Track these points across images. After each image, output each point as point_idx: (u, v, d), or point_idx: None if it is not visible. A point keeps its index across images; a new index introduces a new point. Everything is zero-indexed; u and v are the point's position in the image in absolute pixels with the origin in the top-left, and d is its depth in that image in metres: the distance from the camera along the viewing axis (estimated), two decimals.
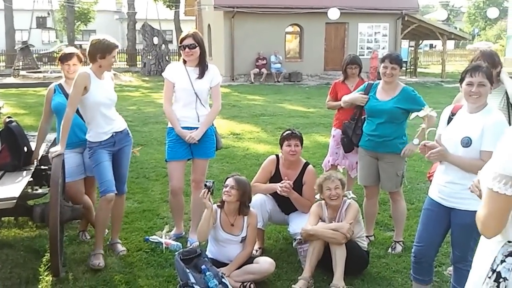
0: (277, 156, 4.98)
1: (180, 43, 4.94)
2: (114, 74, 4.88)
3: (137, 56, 35.16)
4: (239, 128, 11.65)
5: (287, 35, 25.72)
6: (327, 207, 4.54)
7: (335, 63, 24.73)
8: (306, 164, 4.93)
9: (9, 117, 5.11)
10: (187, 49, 4.89)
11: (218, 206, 4.43)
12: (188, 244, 4.99)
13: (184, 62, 5.01)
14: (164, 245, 4.92)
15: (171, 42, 35.02)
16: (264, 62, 24.15)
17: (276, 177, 4.93)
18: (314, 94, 19.35)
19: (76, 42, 34.85)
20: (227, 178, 4.43)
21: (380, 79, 4.98)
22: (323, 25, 24.93)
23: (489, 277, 2.16)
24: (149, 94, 19.38)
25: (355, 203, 4.63)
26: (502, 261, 2.14)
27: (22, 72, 25.84)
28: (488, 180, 2.08)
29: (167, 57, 29.69)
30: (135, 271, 4.50)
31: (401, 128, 4.87)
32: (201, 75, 4.94)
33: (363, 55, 23.58)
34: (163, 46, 29.39)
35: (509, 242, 2.15)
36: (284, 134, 4.93)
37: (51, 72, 26.18)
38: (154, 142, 10.06)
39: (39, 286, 4.21)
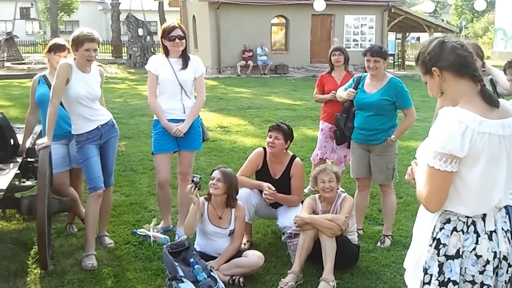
0: (264, 149, 4.98)
1: (167, 34, 4.90)
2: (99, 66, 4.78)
3: (123, 48, 34.90)
4: (226, 121, 11.64)
5: (273, 27, 25.65)
6: (321, 200, 4.56)
7: (321, 55, 24.65)
8: (293, 157, 4.93)
9: None
10: (176, 40, 4.88)
11: (205, 198, 4.44)
12: (176, 237, 4.99)
13: (167, 54, 4.99)
14: (152, 238, 4.92)
15: (155, 33, 34.74)
16: (250, 54, 24.07)
17: (263, 171, 4.93)
18: (300, 86, 19.36)
19: (59, 33, 34.51)
20: (213, 170, 4.44)
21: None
22: (309, 17, 24.88)
23: (430, 245, 2.38)
24: (135, 86, 19.27)
25: (350, 196, 4.66)
26: (441, 229, 2.35)
27: (7, 64, 25.57)
28: (428, 159, 2.25)
29: (152, 49, 29.49)
30: (123, 264, 4.50)
31: (391, 120, 4.90)
32: (185, 65, 4.94)
33: (350, 47, 23.57)
34: (148, 37, 29.18)
35: (445, 211, 2.35)
36: (270, 125, 4.94)
37: (35, 64, 25.95)
38: (141, 134, 10.01)
39: (28, 279, 4.20)
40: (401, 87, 4.86)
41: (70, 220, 5.25)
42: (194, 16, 26.99)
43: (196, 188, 4.25)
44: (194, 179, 4.28)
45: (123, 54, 34.26)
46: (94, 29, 4.56)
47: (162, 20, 35.92)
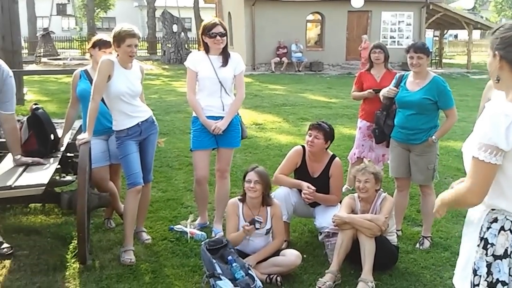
0: (303, 147, 4.95)
1: (208, 31, 4.90)
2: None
3: (157, 44, 35.24)
4: (261, 118, 11.65)
5: (308, 23, 25.57)
6: (360, 199, 4.52)
7: (357, 52, 24.49)
8: (333, 157, 4.89)
9: (35, 104, 5.16)
10: (218, 37, 4.88)
11: (239, 200, 4.43)
12: (213, 234, 5.03)
13: (207, 51, 5.00)
14: (189, 235, 4.95)
15: (190, 30, 35.03)
16: (285, 51, 24.06)
17: (302, 169, 4.91)
18: (335, 84, 19.26)
19: (96, 30, 35.02)
20: (247, 172, 4.39)
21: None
22: (345, 13, 24.74)
23: (478, 245, 2.37)
24: (169, 82, 19.44)
25: (391, 197, 4.61)
26: (488, 228, 2.35)
27: (44, 59, 26.09)
28: (473, 150, 2.25)
29: (186, 45, 29.73)
30: (160, 260, 4.54)
31: (432, 120, 4.82)
32: (225, 63, 4.94)
33: (386, 44, 23.05)
34: (182, 34, 29.43)
35: (492, 210, 2.35)
36: (310, 123, 4.92)
37: (70, 59, 26.42)
38: (177, 131, 10.10)
39: (66, 273, 4.27)
40: (444, 86, 4.77)
41: (108, 215, 5.33)
42: (229, 13, 27.10)
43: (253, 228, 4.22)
44: (256, 224, 4.21)
45: (157, 51, 34.62)
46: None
47: (197, 16, 36.13)
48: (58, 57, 27.82)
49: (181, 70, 24.11)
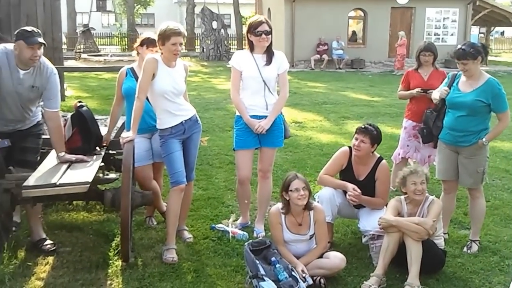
0: (350, 148, 4.91)
1: (254, 29, 4.90)
2: None
3: (196, 41, 35.49)
4: (301, 116, 11.61)
5: (350, 20, 25.38)
6: (407, 202, 4.46)
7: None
8: (380, 159, 4.84)
9: (79, 102, 5.25)
10: (263, 35, 4.88)
11: (282, 212, 4.37)
12: (255, 234, 5.05)
13: (251, 49, 5.01)
14: (230, 234, 4.97)
15: (229, 26, 35.14)
16: (326, 48, 23.94)
17: (347, 171, 4.89)
18: (377, 82, 19.07)
19: (135, 26, 35.53)
20: (290, 182, 4.28)
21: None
22: (388, 10, 24.49)
23: None
24: (208, 79, 19.55)
25: (439, 200, 4.54)
26: None
27: (84, 55, 26.56)
28: None
29: (225, 42, 29.84)
30: (202, 259, 4.58)
31: (483, 122, 4.71)
32: (269, 61, 4.94)
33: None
34: (222, 30, 29.53)
35: None
36: (357, 127, 4.88)
37: (111, 56, 26.83)
38: (216, 128, 10.15)
39: (109, 271, 4.34)
40: (498, 89, 4.63)
41: (150, 213, 5.39)
42: (269, 9, 27.10)
43: None
44: None
45: (196, 47, 34.86)
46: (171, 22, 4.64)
47: (237, 13, 36.27)
48: (99, 53, 28.28)
49: (220, 67, 24.26)
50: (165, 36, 4.43)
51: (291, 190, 4.23)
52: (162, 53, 4.53)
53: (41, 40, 4.40)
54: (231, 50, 30.47)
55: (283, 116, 5.22)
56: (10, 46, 4.50)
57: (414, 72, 6.20)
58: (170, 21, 4.74)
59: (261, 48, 4.94)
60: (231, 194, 6.20)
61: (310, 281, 4.01)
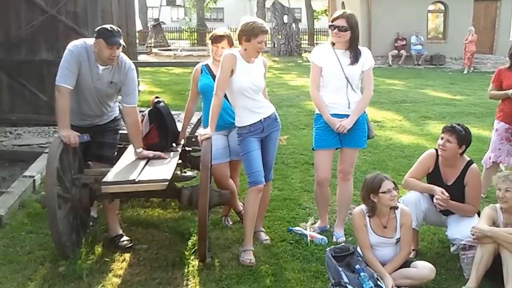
0: (437, 150, 4.75)
1: (332, 22, 4.85)
2: None
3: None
4: (380, 115, 11.38)
5: (429, 14, 24.75)
6: (503, 211, 4.26)
7: (484, 45, 23.47)
8: (470, 163, 4.64)
9: (157, 97, 5.32)
10: (336, 30, 4.79)
11: (368, 216, 4.27)
12: (334, 239, 4.96)
13: (333, 44, 4.92)
14: (309, 238, 4.90)
15: (300, 20, 34.98)
16: (404, 43, 23.47)
17: (434, 175, 4.71)
18: (459, 79, 18.48)
19: (205, 20, 36.00)
20: (380, 180, 4.16)
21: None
22: (471, 3, 23.71)
23: None
24: (280, 75, 19.53)
25: None
26: None
27: (154, 50, 27.16)
28: None
29: (297, 37, 29.74)
30: (280, 262, 4.53)
31: None
32: (353, 58, 4.83)
33: None
34: (293, 25, 29.45)
35: None
36: (444, 126, 4.71)
37: (181, 50, 27.32)
38: (290, 126, 10.09)
39: (186, 270, 4.37)
40: None
41: (226, 212, 5.40)
42: (343, 3, 26.76)
43: None
44: None
45: (267, 42, 34.93)
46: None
47: (308, 7, 36.10)
48: (169, 47, 28.84)
49: (291, 63, 24.22)
50: (253, 33, 4.43)
51: (383, 192, 4.11)
52: (245, 49, 4.51)
53: (121, 41, 4.49)
54: (302, 45, 30.34)
55: (366, 115, 5.11)
56: (89, 41, 4.61)
57: (507, 70, 5.93)
58: (253, 17, 4.74)
59: (340, 43, 4.84)
60: (307, 196, 6.13)
61: None
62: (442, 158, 4.64)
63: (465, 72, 20.58)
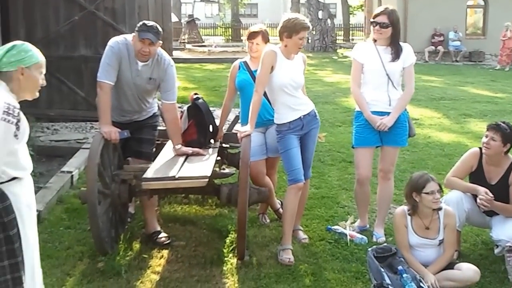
0: (480, 149, 4.66)
1: (373, 18, 4.81)
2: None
3: None
4: (418, 112, 11.21)
5: (468, 9, 24.32)
6: None
7: None
8: None
9: (195, 93, 5.34)
10: (377, 27, 4.76)
11: (409, 214, 4.22)
12: (374, 239, 4.91)
13: (374, 40, 4.87)
14: (348, 237, 4.86)
15: (335, 16, 34.74)
16: (441, 39, 23.08)
17: (477, 174, 4.62)
18: (500, 76, 18.12)
19: (239, 16, 36.02)
20: (425, 180, 4.10)
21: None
22: None
23: None
24: (314, 71, 19.39)
25: None
26: None
27: (188, 46, 27.30)
28: None
29: (331, 33, 29.54)
30: (319, 262, 4.50)
31: None
32: (394, 55, 4.78)
33: None
34: (328, 20, 29.25)
35: None
36: (488, 123, 4.62)
37: (215, 46, 27.40)
38: (326, 123, 10.00)
39: (224, 268, 4.37)
40: None
41: (263, 210, 5.39)
42: None
43: None
44: None
45: None
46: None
47: (344, 2, 35.88)
48: (203, 44, 28.96)
49: (326, 59, 24.07)
50: (295, 29, 4.43)
51: (426, 193, 4.05)
52: (285, 45, 4.50)
53: (151, 37, 4.44)
54: (337, 41, 30.12)
55: (407, 113, 5.06)
56: (130, 37, 4.65)
57: None
58: (294, 13, 4.72)
59: (382, 40, 4.80)
60: (346, 194, 6.09)
61: None
62: (486, 156, 4.55)
63: (507, 69, 20.15)
